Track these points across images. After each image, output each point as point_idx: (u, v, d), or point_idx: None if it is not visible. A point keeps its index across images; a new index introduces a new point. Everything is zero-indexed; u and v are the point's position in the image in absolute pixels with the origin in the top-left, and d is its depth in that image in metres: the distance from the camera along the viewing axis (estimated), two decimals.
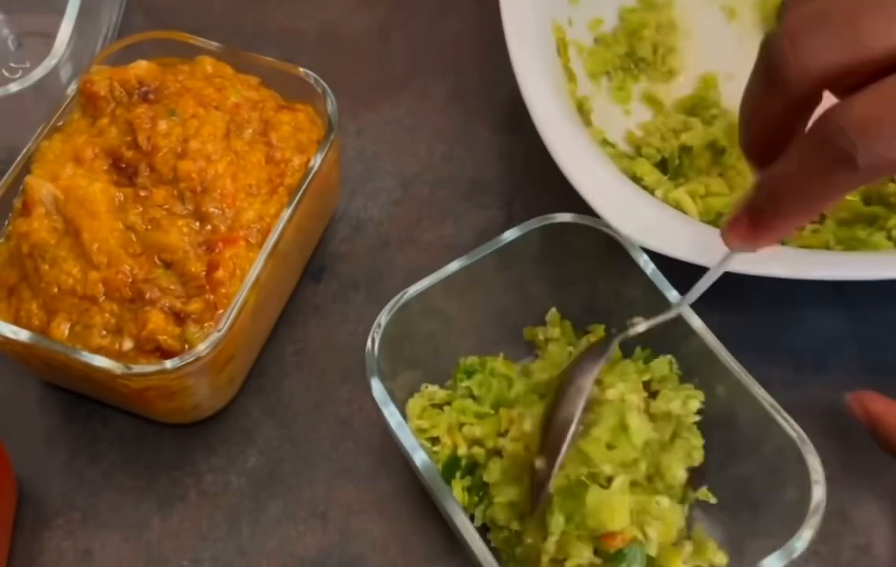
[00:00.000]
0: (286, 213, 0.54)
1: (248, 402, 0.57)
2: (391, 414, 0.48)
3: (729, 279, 0.55)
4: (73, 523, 0.53)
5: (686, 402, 0.50)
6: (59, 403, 0.57)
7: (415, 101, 0.69)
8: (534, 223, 0.53)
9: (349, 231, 0.63)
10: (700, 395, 0.50)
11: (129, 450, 0.56)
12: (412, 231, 0.63)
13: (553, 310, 0.56)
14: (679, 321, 0.51)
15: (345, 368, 0.58)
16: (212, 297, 0.52)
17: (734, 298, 0.58)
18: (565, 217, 0.53)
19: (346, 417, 0.56)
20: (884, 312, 0.59)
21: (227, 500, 0.54)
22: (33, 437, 0.56)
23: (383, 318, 0.50)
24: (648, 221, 0.53)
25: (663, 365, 0.52)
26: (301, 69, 0.59)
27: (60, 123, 0.57)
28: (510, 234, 0.53)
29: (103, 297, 0.51)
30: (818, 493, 0.46)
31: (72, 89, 0.58)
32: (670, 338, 0.51)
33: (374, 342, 0.50)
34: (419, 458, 0.47)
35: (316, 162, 0.56)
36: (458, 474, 0.51)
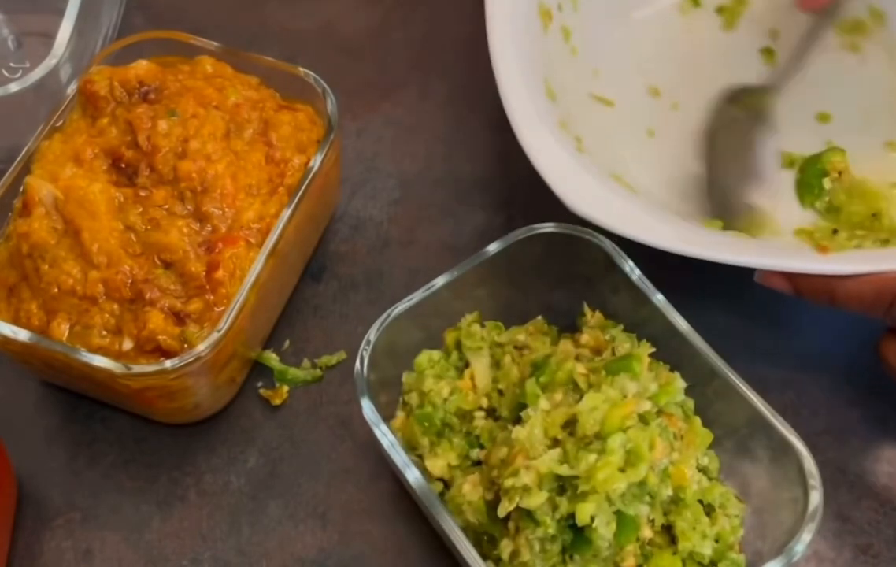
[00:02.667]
0: (286, 213, 0.54)
1: (248, 402, 0.57)
2: (383, 434, 0.48)
3: (728, 279, 0.55)
4: (73, 523, 0.53)
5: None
6: (59, 403, 0.57)
7: (415, 101, 0.69)
8: (517, 235, 0.53)
9: (349, 231, 0.63)
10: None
11: (129, 450, 0.56)
12: (412, 231, 0.63)
13: (539, 318, 0.56)
14: (665, 323, 0.51)
15: (345, 369, 0.58)
16: (211, 297, 0.52)
17: (734, 298, 0.58)
18: (549, 227, 0.53)
19: (346, 417, 0.56)
20: None
21: (227, 500, 0.54)
22: (33, 437, 0.56)
23: (372, 335, 0.50)
24: (591, 192, 0.54)
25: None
26: (301, 69, 0.59)
27: (60, 123, 0.57)
28: (494, 247, 0.53)
29: (103, 298, 0.52)
30: (815, 498, 0.45)
31: (72, 89, 0.58)
32: (658, 340, 0.51)
33: (363, 361, 0.49)
34: (412, 475, 0.47)
35: (316, 162, 0.56)
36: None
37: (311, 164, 0.56)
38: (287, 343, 0.59)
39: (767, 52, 0.68)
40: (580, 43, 0.66)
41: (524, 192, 0.64)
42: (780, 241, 0.58)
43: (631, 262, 0.52)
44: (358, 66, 0.71)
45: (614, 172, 0.60)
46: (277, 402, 0.57)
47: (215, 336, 0.50)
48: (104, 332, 0.51)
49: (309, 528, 0.53)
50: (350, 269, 0.62)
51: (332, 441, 0.56)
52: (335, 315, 0.60)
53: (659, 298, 0.51)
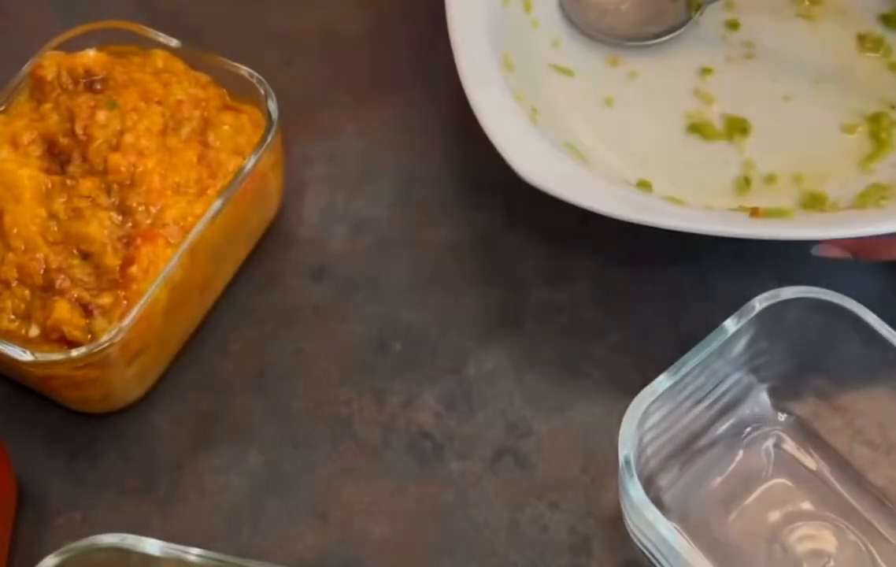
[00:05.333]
0: (207, 215, 0.54)
1: (248, 402, 0.57)
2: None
3: None
4: (74, 523, 0.53)
5: None
6: (59, 403, 0.57)
7: (415, 101, 0.69)
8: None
9: (349, 231, 0.63)
10: None
11: (129, 450, 0.56)
12: (412, 231, 0.63)
13: None
14: None
15: (345, 368, 0.58)
16: (123, 292, 0.52)
17: None
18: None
19: (346, 417, 0.56)
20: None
21: (227, 501, 0.54)
22: (33, 437, 0.56)
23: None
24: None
25: None
26: (245, 69, 0.59)
27: (3, 107, 0.58)
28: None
29: (16, 282, 0.53)
30: None
31: (24, 72, 0.59)
32: None
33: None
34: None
35: (248, 165, 0.56)
36: None
37: (243, 166, 0.56)
38: (287, 344, 0.59)
39: (732, 24, 0.69)
40: (541, 15, 0.68)
41: (525, 192, 0.64)
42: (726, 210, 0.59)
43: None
44: (358, 66, 0.71)
45: (568, 141, 0.61)
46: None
47: (115, 331, 0.50)
48: (13, 317, 0.52)
49: (309, 527, 0.53)
50: (350, 269, 0.62)
51: (332, 441, 0.56)
52: (335, 315, 0.60)
53: None
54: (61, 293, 0.52)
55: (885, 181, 0.60)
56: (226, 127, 0.57)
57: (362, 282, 0.61)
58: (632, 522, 0.48)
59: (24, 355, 0.50)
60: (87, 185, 0.54)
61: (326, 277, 0.61)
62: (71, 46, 0.60)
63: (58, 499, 0.54)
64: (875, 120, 0.63)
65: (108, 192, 0.54)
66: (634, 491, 0.46)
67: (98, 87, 0.57)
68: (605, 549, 0.51)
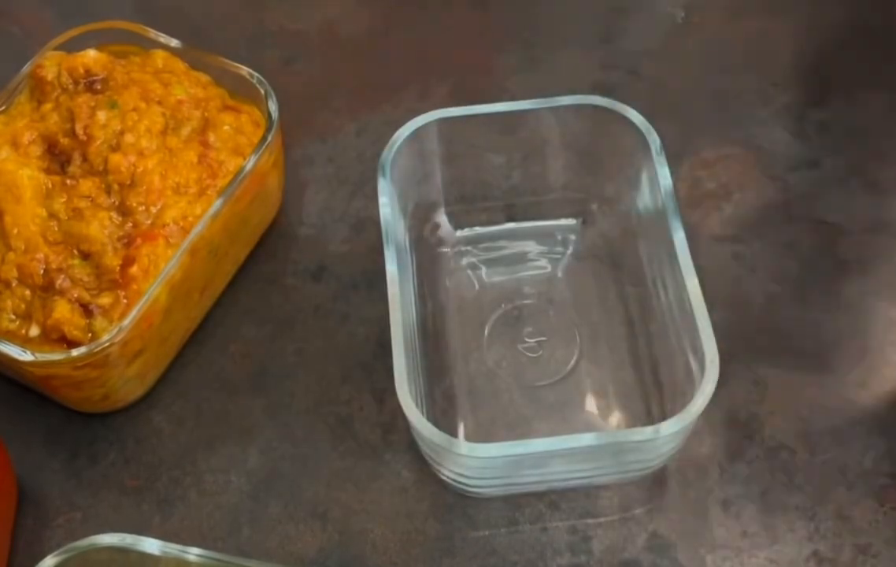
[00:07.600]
0: (207, 215, 0.54)
1: (248, 402, 0.57)
2: None
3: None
4: (74, 523, 0.53)
5: None
6: (59, 403, 0.57)
7: (415, 101, 0.69)
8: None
9: (349, 231, 0.63)
10: None
11: (129, 450, 0.56)
12: (412, 231, 0.63)
13: None
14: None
15: (345, 368, 0.58)
16: (123, 292, 0.52)
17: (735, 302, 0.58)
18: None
19: (346, 417, 0.56)
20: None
21: (227, 500, 0.54)
22: (33, 437, 0.56)
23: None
24: None
25: None
26: (245, 69, 0.59)
27: (4, 107, 0.58)
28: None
29: (16, 282, 0.53)
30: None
31: (23, 73, 0.59)
32: None
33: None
34: None
35: (248, 164, 0.56)
36: None
37: (243, 166, 0.56)
38: (287, 344, 0.59)
39: None
40: None
41: (525, 192, 0.64)
42: None
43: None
44: (358, 66, 0.71)
45: None
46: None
47: (115, 331, 0.50)
48: (13, 317, 0.53)
49: (309, 527, 0.53)
50: (350, 269, 0.62)
51: (332, 441, 0.56)
52: (335, 315, 0.60)
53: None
54: (61, 293, 0.52)
55: None
56: (226, 127, 0.58)
57: (362, 282, 0.61)
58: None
59: (24, 355, 0.50)
60: (88, 185, 0.54)
61: (326, 277, 0.61)
62: (71, 46, 0.60)
63: (58, 499, 0.54)
64: None
65: (109, 192, 0.54)
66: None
67: (98, 87, 0.57)
68: (604, 549, 0.51)
